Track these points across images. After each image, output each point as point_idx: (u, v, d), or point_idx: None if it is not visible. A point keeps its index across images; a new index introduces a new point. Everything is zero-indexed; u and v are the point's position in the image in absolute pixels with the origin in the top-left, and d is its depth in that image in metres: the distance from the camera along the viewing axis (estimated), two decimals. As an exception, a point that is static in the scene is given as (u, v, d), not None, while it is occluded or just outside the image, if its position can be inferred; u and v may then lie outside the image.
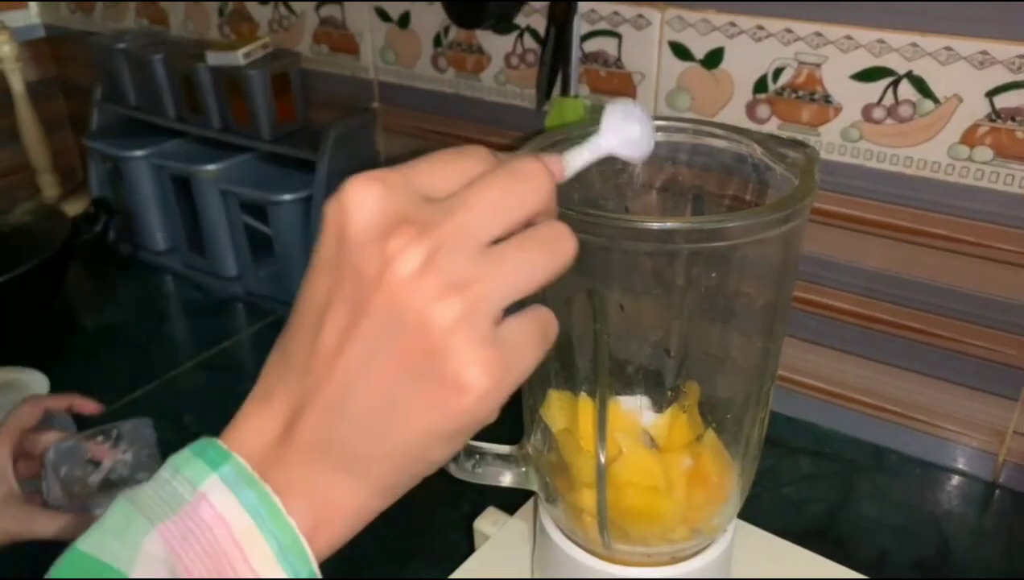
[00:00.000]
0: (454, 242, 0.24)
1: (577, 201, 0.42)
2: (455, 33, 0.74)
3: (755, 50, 0.60)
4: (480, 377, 0.24)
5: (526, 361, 0.25)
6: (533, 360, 0.25)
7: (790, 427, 0.68)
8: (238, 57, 0.81)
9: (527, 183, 0.25)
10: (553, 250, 0.25)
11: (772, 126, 0.61)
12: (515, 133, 0.74)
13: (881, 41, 0.55)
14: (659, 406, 0.41)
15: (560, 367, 0.39)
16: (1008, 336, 0.58)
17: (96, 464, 0.53)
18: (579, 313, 0.34)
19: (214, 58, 0.82)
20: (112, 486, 0.52)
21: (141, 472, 0.51)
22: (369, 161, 0.85)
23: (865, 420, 0.66)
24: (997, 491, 0.62)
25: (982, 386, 0.60)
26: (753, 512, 0.49)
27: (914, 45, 0.54)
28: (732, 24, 0.60)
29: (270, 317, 0.85)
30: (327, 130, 0.79)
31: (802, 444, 0.67)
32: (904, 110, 0.56)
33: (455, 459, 0.41)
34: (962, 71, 0.54)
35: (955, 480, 0.63)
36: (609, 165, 0.43)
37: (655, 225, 0.32)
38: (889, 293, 0.61)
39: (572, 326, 0.35)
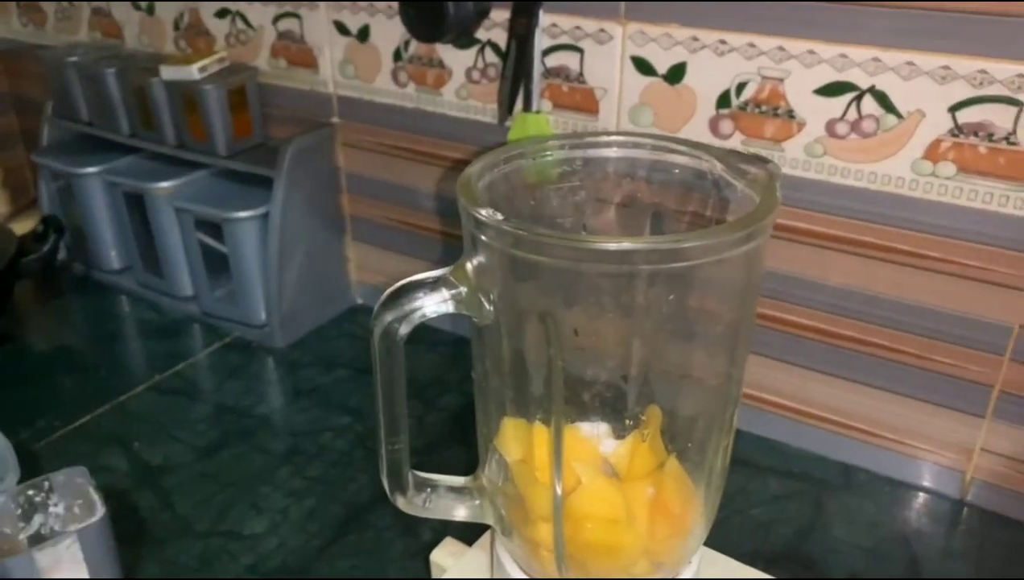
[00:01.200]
0: None
1: (532, 218, 0.41)
2: (415, 47, 0.73)
3: (718, 65, 0.59)
4: None
5: None
6: None
7: (759, 446, 0.67)
8: (193, 72, 0.79)
9: None
10: None
11: (735, 141, 0.61)
12: (477, 148, 0.73)
13: (843, 56, 0.55)
14: (619, 433, 0.39)
15: (514, 394, 0.37)
16: (975, 353, 0.58)
17: (28, 519, 0.51)
18: (533, 338, 0.33)
19: (169, 72, 0.80)
20: (42, 539, 0.50)
21: (73, 524, 0.49)
22: (329, 177, 0.83)
23: (834, 438, 0.65)
24: (965, 509, 0.61)
25: (949, 403, 0.60)
26: (722, 535, 0.47)
27: (876, 60, 0.54)
28: (694, 39, 0.59)
29: (227, 338, 0.83)
30: (285, 146, 0.77)
31: (771, 464, 0.66)
32: (867, 125, 0.56)
33: (403, 493, 0.39)
34: (924, 86, 0.53)
35: (924, 498, 0.62)
36: (567, 181, 0.42)
37: (612, 246, 0.31)
38: (855, 310, 0.61)
39: (526, 351, 0.34)
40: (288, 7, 0.79)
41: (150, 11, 0.89)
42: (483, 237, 0.33)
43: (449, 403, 0.73)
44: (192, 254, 0.83)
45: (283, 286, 0.79)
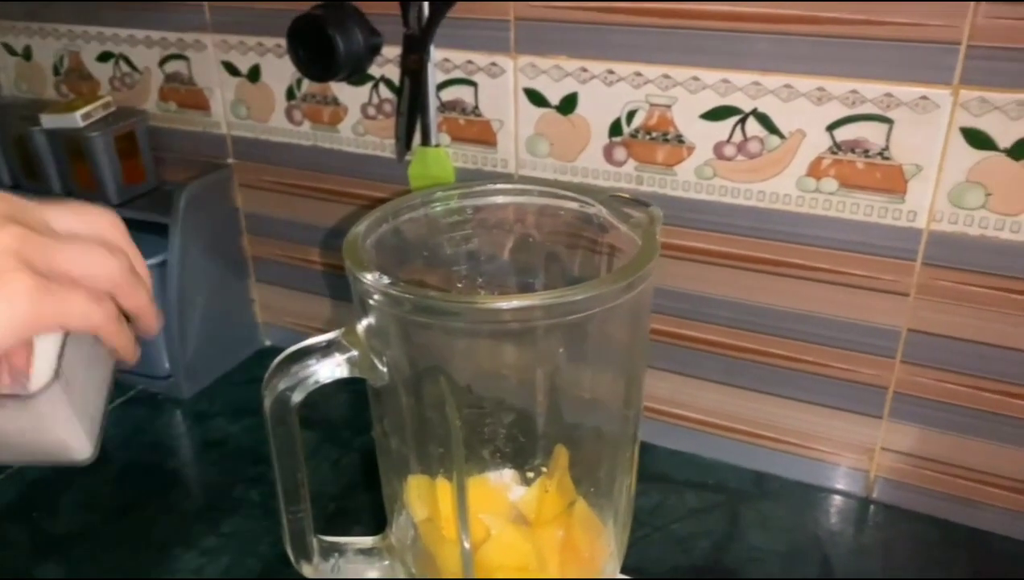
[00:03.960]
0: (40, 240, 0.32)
1: (427, 269, 0.41)
2: (308, 85, 0.72)
3: (607, 94, 0.60)
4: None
5: (68, 302, 0.32)
6: (78, 307, 0.32)
7: (674, 461, 0.69)
8: (76, 119, 0.76)
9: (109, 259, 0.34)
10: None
11: (629, 168, 0.62)
12: (379, 184, 0.72)
13: (726, 81, 0.57)
14: (526, 478, 0.40)
15: (416, 452, 0.37)
16: (868, 357, 0.60)
17: None
18: (429, 396, 0.32)
19: (50, 121, 0.77)
20: None
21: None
22: (228, 219, 0.81)
23: (745, 448, 0.67)
24: (872, 506, 0.64)
25: (849, 406, 0.62)
26: (643, 554, 0.48)
27: (757, 84, 0.56)
28: (584, 69, 0.60)
29: (130, 392, 0.80)
30: (179, 190, 0.74)
31: (687, 477, 0.67)
32: (753, 146, 0.58)
33: (309, 560, 0.38)
34: (803, 107, 0.55)
35: (833, 500, 0.65)
36: (459, 230, 0.42)
37: (498, 305, 0.31)
38: (754, 322, 0.63)
39: (424, 410, 0.34)
40: (174, 49, 0.77)
41: (27, 56, 0.86)
42: (371, 301, 0.33)
43: (364, 444, 0.72)
44: (88, 307, 0.79)
45: (186, 334, 0.77)
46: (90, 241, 0.35)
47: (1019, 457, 0.58)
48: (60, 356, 0.35)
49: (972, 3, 0.48)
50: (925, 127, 0.52)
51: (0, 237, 0.31)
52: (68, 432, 0.35)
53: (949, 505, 0.61)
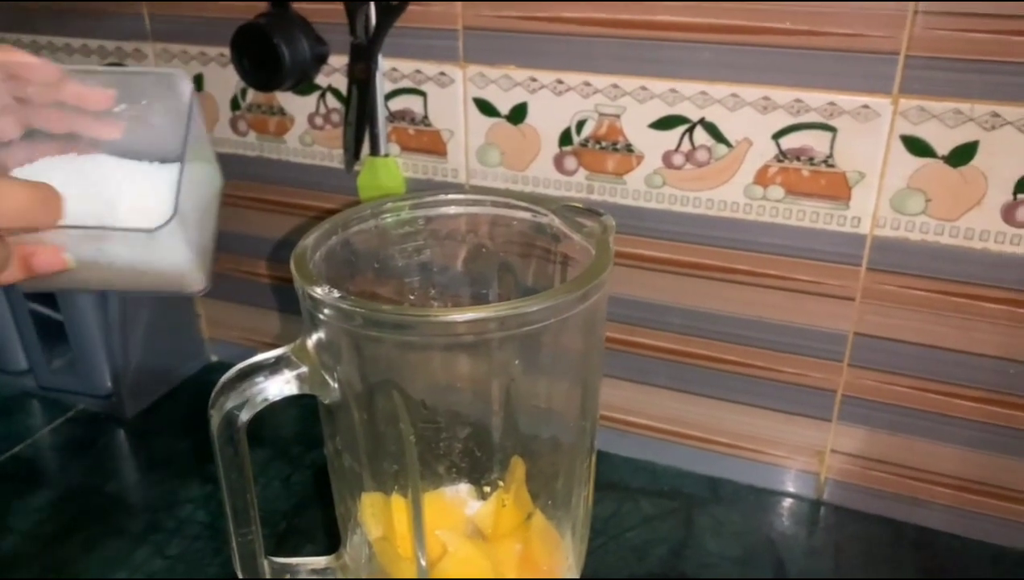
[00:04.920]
0: None
1: (378, 281, 0.40)
2: (253, 95, 0.71)
3: (557, 104, 0.60)
4: None
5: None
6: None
7: (628, 468, 0.69)
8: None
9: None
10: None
11: (580, 177, 0.62)
12: (327, 194, 0.71)
13: (673, 90, 0.57)
14: (483, 492, 0.39)
15: (370, 469, 0.36)
16: (816, 361, 0.61)
17: None
18: (382, 412, 0.32)
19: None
20: None
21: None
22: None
23: (698, 454, 0.68)
24: (823, 508, 0.65)
25: (799, 410, 0.63)
26: (599, 563, 0.48)
27: (704, 93, 0.56)
28: (533, 79, 0.60)
29: (70, 411, 0.77)
30: (119, 203, 0.72)
31: (641, 484, 0.67)
32: (701, 155, 0.58)
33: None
34: (749, 116, 0.56)
35: (785, 502, 0.66)
36: (411, 241, 0.42)
37: (451, 317, 0.30)
38: (705, 329, 0.63)
39: (377, 426, 0.33)
40: (112, 58, 0.74)
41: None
42: (321, 315, 0.32)
43: (316, 459, 0.70)
44: (23, 324, 0.76)
45: (129, 351, 0.74)
46: None
47: (963, 456, 0.59)
48: (177, 193, 0.36)
49: (910, 15, 0.50)
50: (867, 135, 0.53)
51: None
52: (184, 265, 0.37)
53: (897, 505, 0.63)
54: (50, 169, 0.39)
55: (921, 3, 0.49)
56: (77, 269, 0.37)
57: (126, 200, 0.39)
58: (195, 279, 0.38)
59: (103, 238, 0.36)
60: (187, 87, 0.41)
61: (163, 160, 0.42)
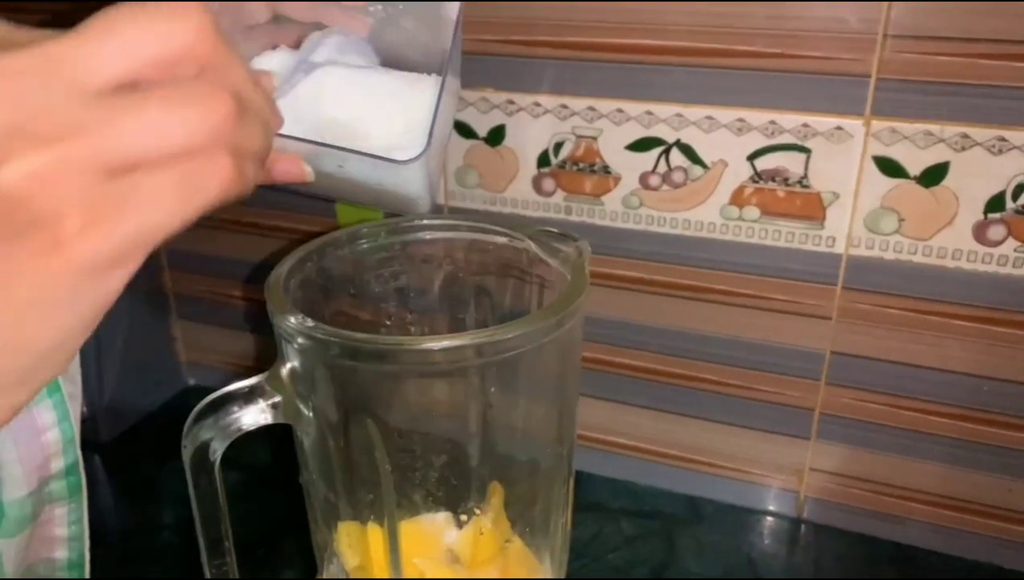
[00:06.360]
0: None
1: (354, 307, 0.40)
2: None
3: (534, 126, 0.60)
4: (72, 217, 0.20)
5: (153, 204, 0.22)
6: (169, 205, 0.22)
7: (609, 489, 0.69)
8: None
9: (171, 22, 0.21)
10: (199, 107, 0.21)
11: (558, 198, 0.62)
12: (305, 216, 0.71)
13: (649, 113, 0.58)
14: (460, 520, 0.39)
15: (346, 498, 0.36)
16: (794, 379, 0.61)
17: None
18: (357, 442, 0.31)
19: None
20: None
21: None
22: (148, 255, 0.78)
23: (678, 473, 0.68)
24: (802, 526, 0.65)
25: (777, 429, 0.63)
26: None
27: (679, 115, 0.57)
28: (510, 102, 0.61)
29: (44, 438, 0.76)
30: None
31: (622, 505, 0.67)
32: (677, 176, 0.59)
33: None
34: (724, 137, 0.57)
35: (765, 521, 0.66)
36: (386, 267, 0.42)
37: (426, 345, 0.30)
38: (683, 348, 0.63)
39: (351, 455, 0.33)
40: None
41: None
42: (295, 345, 0.32)
43: (293, 484, 0.69)
44: (-4, 350, 0.75)
45: (104, 375, 0.73)
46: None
47: (939, 472, 0.60)
48: (432, 123, 0.35)
49: (880, 39, 0.51)
50: (840, 156, 0.54)
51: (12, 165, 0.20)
52: (423, 191, 0.38)
53: (876, 522, 0.63)
54: (313, 72, 0.36)
55: (891, 27, 0.50)
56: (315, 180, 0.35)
57: (377, 117, 0.36)
58: (426, 203, 0.38)
59: (348, 157, 0.34)
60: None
61: (408, 68, 0.40)
